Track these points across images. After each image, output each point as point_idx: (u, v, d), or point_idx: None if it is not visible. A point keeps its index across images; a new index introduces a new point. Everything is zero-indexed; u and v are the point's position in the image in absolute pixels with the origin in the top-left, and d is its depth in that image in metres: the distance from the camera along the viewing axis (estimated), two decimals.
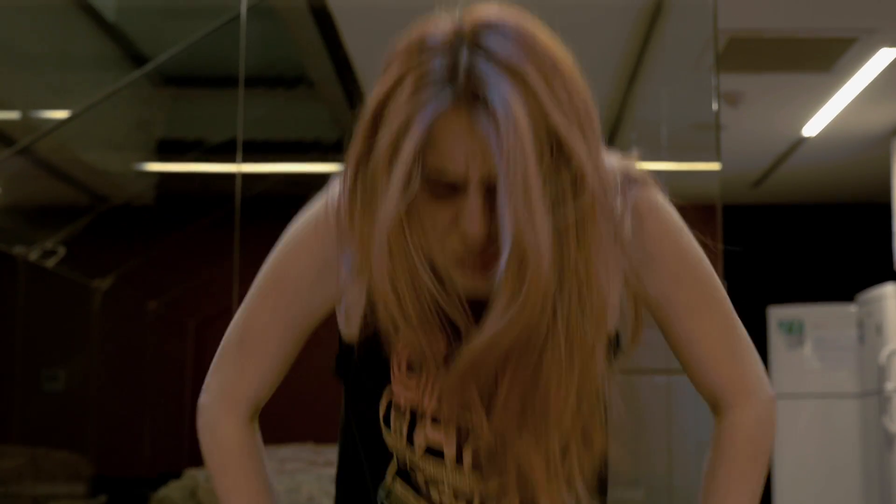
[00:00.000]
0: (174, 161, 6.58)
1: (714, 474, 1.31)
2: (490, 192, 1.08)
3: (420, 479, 1.28)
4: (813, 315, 7.61)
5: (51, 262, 6.36)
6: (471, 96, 1.05)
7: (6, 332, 6.43)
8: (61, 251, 6.37)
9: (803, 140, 7.04)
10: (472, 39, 1.09)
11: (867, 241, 8.27)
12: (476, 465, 1.24)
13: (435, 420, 1.23)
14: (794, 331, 7.63)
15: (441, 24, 1.11)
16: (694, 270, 1.29)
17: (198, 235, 6.51)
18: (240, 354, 1.33)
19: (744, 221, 8.42)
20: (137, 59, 5.49)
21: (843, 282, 8.12)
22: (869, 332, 7.25)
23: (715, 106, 3.95)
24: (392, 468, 1.29)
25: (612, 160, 1.23)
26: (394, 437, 1.26)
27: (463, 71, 1.06)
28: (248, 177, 4.40)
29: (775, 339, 7.68)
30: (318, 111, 5.40)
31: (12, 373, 6.45)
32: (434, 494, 1.28)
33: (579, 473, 1.17)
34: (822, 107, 6.37)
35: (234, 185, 4.32)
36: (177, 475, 5.27)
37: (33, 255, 6.36)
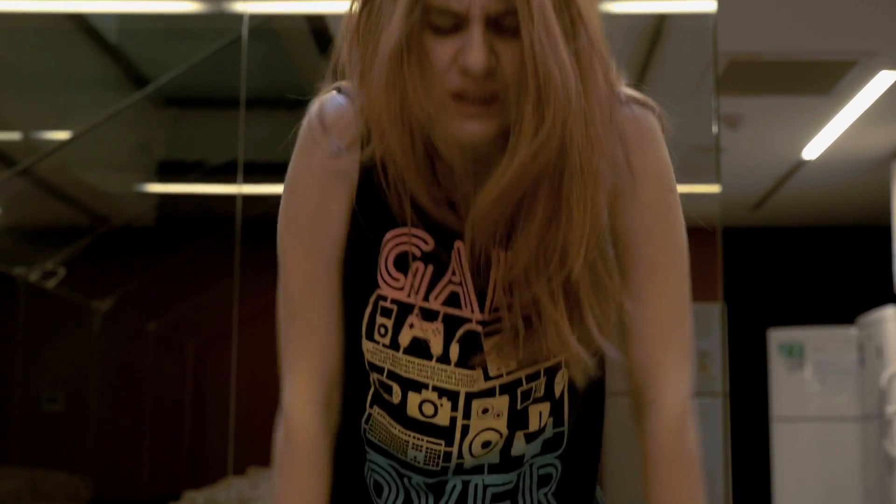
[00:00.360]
0: (175, 182, 6.60)
1: (649, 488, 1.27)
2: (491, 26, 1.11)
3: (396, 394, 1.26)
4: (813, 338, 7.60)
5: (51, 283, 6.36)
6: None
7: (6, 353, 6.42)
8: (61, 272, 6.37)
9: (803, 162, 7.05)
10: None
11: (867, 264, 8.28)
12: (461, 362, 1.23)
13: (421, 316, 1.23)
14: (794, 354, 7.62)
15: None
16: (667, 232, 1.27)
17: (198, 257, 6.52)
18: (295, 326, 1.29)
19: (744, 244, 8.43)
20: (139, 80, 5.50)
21: (844, 304, 8.12)
22: (869, 355, 7.24)
23: (715, 128, 3.96)
24: (371, 393, 1.28)
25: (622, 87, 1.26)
26: (376, 345, 1.25)
27: None
28: (248, 198, 4.41)
29: (776, 362, 7.67)
30: None
31: (12, 393, 6.45)
32: (411, 407, 1.26)
33: (592, 317, 1.17)
34: (822, 129, 6.39)
35: (235, 207, 4.33)
36: (175, 497, 5.25)
37: (33, 276, 6.37)
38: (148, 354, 7.27)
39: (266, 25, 4.74)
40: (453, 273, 1.23)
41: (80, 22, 5.09)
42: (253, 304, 4.68)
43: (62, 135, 5.75)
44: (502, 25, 1.11)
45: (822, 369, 7.56)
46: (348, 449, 1.33)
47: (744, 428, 7.70)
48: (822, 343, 7.59)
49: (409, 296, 1.23)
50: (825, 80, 5.56)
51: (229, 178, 4.49)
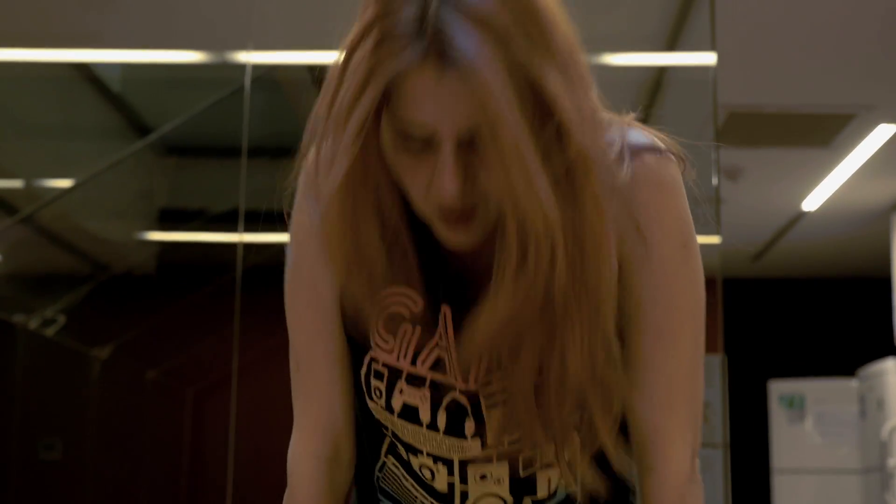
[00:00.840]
0: (176, 230, 6.61)
1: None
2: (464, 148, 1.02)
3: (403, 450, 1.24)
4: (814, 390, 7.58)
5: (50, 331, 6.35)
6: (438, 52, 0.99)
7: (4, 400, 6.40)
8: (61, 320, 6.36)
9: (803, 214, 7.07)
10: None
11: (867, 316, 8.27)
12: (449, 430, 1.18)
13: (410, 382, 1.18)
14: (794, 405, 7.59)
15: None
16: (678, 291, 1.18)
17: (198, 305, 6.52)
18: (300, 378, 1.27)
19: (744, 295, 8.42)
20: (141, 129, 5.53)
21: (844, 356, 8.10)
22: (870, 407, 7.22)
23: (715, 180, 3.97)
24: (386, 444, 1.25)
25: (621, 126, 1.17)
26: (375, 406, 1.21)
27: (430, 24, 0.99)
28: (249, 246, 4.41)
29: (776, 413, 7.64)
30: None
31: (9, 441, 6.42)
32: (415, 464, 1.23)
33: (592, 440, 1.13)
34: (821, 181, 6.41)
35: (236, 255, 4.33)
36: None
37: (33, 324, 6.36)
38: (146, 402, 7.25)
39: (268, 75, 4.77)
40: (440, 337, 1.17)
41: (84, 71, 5.13)
42: (253, 352, 4.67)
43: (64, 183, 5.77)
44: (476, 143, 1.01)
45: (823, 421, 7.53)
46: (364, 495, 1.31)
47: (744, 480, 7.66)
48: (823, 395, 7.57)
49: (397, 359, 1.18)
50: (824, 132, 5.58)
51: (230, 226, 4.50)
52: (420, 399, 1.18)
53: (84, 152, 5.81)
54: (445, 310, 1.17)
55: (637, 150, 1.16)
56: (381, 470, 1.28)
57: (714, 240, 3.91)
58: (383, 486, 1.28)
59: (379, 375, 1.20)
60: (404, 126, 1.03)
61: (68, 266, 6.75)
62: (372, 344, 1.20)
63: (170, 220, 6.57)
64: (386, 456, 1.26)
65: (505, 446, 1.19)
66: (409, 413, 1.19)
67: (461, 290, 1.15)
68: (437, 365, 1.18)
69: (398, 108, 1.03)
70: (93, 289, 6.61)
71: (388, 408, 1.20)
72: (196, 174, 6.25)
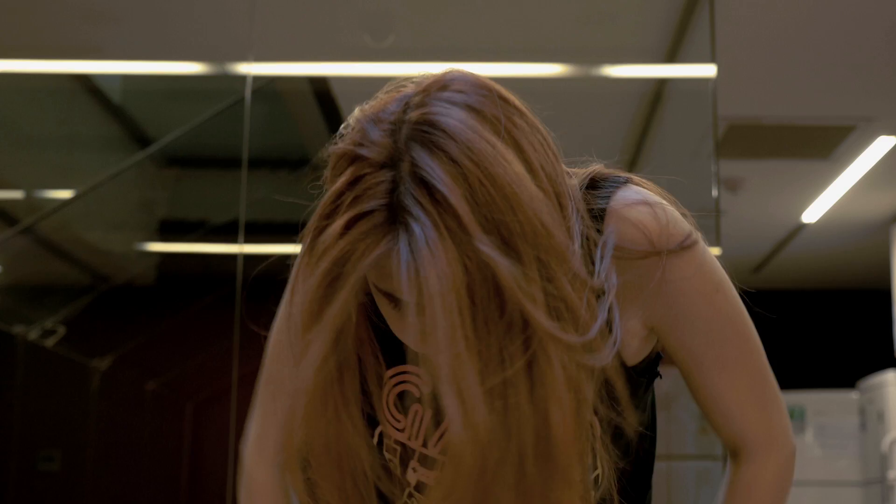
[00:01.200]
0: (176, 241, 6.60)
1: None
2: None
3: None
4: (814, 401, 7.57)
5: (50, 342, 6.35)
6: (402, 240, 0.96)
7: (3, 411, 6.39)
8: (61, 331, 6.36)
9: (803, 226, 7.07)
10: (407, 158, 0.98)
11: (868, 328, 8.26)
12: None
13: (422, 462, 1.17)
14: (795, 417, 7.58)
15: (380, 126, 1.02)
16: (725, 328, 1.22)
17: (198, 316, 6.51)
18: (268, 396, 1.32)
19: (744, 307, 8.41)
20: (142, 140, 5.54)
21: (845, 368, 8.10)
22: (871, 419, 7.21)
23: (715, 192, 3.97)
24: (408, 488, 1.24)
25: (640, 228, 1.14)
26: (391, 471, 1.21)
27: (398, 209, 0.97)
28: (249, 258, 4.41)
29: None
30: (320, 194, 5.38)
31: (8, 452, 6.41)
32: None
33: None
34: (821, 193, 6.41)
35: (236, 266, 4.33)
36: None
37: (33, 335, 6.35)
38: (146, 414, 7.24)
39: (269, 87, 4.78)
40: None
41: (85, 82, 5.13)
42: (252, 364, 4.66)
43: (65, 194, 5.77)
44: None
45: (824, 433, 7.52)
46: None
47: None
48: (823, 407, 7.55)
49: (409, 439, 1.18)
50: (824, 144, 5.59)
51: (231, 237, 4.50)
52: (434, 481, 1.16)
53: (84, 163, 5.81)
54: None
55: (633, 216, 1.14)
56: (409, 496, 1.25)
57: (714, 251, 3.91)
58: None
59: (391, 450, 1.20)
60: (388, 290, 1.01)
61: (68, 277, 6.75)
62: (381, 419, 1.18)
63: (170, 231, 6.57)
64: (408, 498, 1.24)
65: None
66: (424, 489, 1.19)
67: None
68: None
69: (377, 279, 1.01)
70: (93, 300, 6.60)
71: (404, 478, 1.20)
72: (196, 185, 6.26)
